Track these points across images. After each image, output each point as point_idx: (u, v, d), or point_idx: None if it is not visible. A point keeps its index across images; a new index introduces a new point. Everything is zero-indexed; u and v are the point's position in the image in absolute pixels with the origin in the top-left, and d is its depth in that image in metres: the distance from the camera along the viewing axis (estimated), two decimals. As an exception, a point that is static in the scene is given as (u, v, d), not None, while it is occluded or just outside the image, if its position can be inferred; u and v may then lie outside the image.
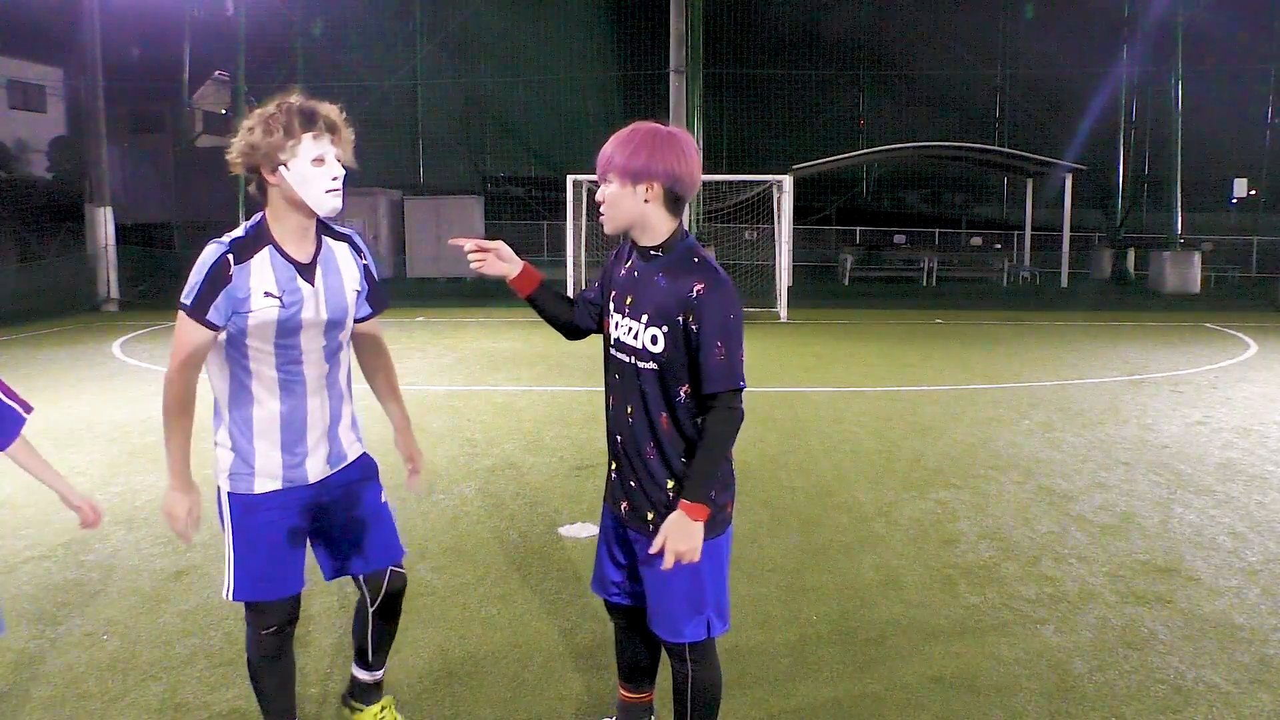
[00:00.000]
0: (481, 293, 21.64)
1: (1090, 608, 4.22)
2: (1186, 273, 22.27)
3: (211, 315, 2.53)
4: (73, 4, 19.25)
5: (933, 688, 3.50)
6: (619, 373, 2.61)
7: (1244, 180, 29.43)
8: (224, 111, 35.57)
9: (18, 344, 13.20)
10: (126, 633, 3.97)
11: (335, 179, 2.58)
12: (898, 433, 7.67)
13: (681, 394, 2.53)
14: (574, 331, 2.84)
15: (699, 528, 2.48)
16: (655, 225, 2.54)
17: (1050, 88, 29.86)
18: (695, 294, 2.44)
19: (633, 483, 2.63)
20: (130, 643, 3.88)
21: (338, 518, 2.83)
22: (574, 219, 17.58)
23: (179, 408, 2.61)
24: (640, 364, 2.54)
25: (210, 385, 2.74)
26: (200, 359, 2.59)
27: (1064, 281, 24.48)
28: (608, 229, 2.60)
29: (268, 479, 2.70)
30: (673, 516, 2.47)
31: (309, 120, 2.54)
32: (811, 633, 3.97)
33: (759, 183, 19.60)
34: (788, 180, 18.18)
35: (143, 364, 11.32)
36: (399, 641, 3.85)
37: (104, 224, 18.86)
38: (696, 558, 2.48)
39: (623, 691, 3.00)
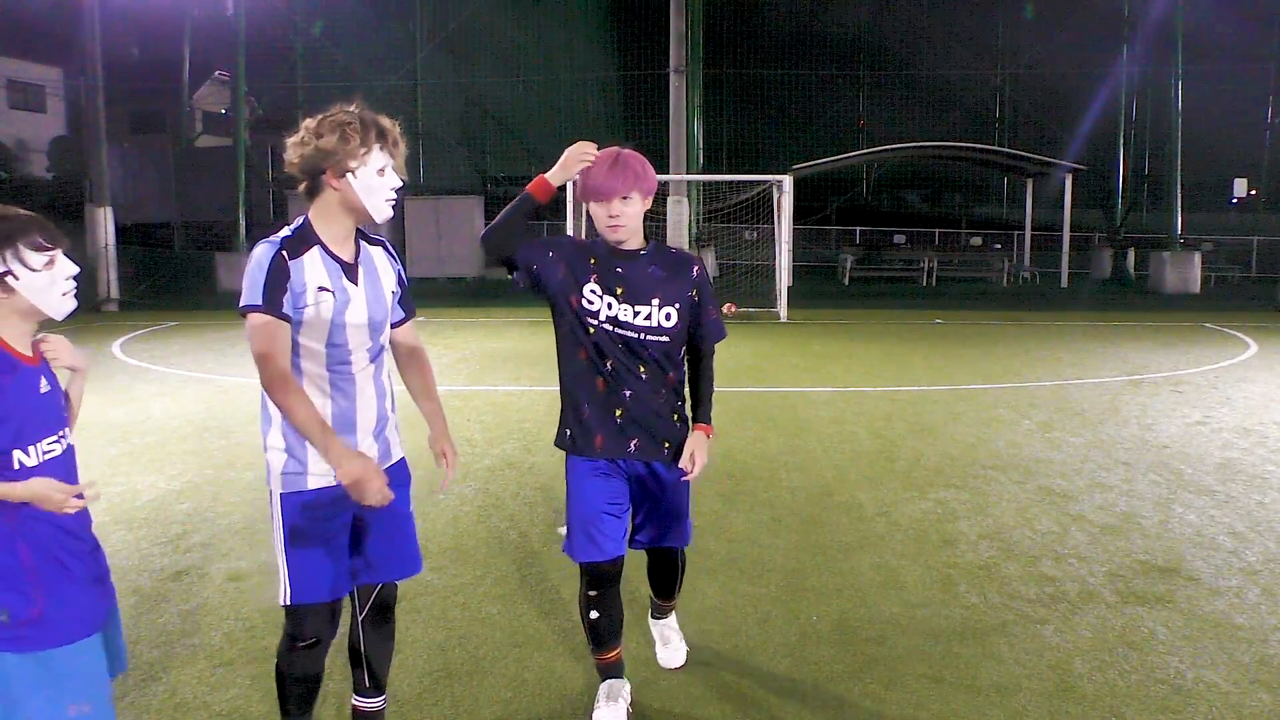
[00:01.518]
0: (481, 293, 21.64)
1: (1090, 608, 4.22)
2: (1186, 273, 22.27)
3: (284, 307, 2.58)
4: (73, 4, 19.25)
5: (933, 688, 3.50)
6: (622, 344, 3.10)
7: (1244, 180, 29.46)
8: (224, 111, 35.58)
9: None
10: (126, 633, 3.96)
11: (394, 189, 2.70)
12: (898, 433, 7.67)
13: (680, 353, 3.21)
14: (508, 258, 3.11)
15: (709, 443, 3.22)
16: (640, 229, 3.13)
17: (1050, 88, 29.85)
18: (695, 273, 3.16)
19: (643, 424, 3.14)
20: (130, 643, 3.87)
21: (374, 518, 2.82)
22: (574, 219, 17.58)
23: (296, 393, 2.54)
24: (653, 338, 3.10)
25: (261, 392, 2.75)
26: (287, 352, 2.60)
27: (1064, 281, 24.47)
28: (619, 237, 3.07)
29: (321, 476, 2.69)
30: (695, 437, 3.16)
31: (382, 134, 2.65)
32: (811, 633, 3.97)
33: (759, 183, 19.60)
34: (788, 180, 18.17)
35: (143, 364, 11.32)
36: (399, 641, 3.84)
37: (104, 224, 18.86)
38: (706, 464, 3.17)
39: (606, 656, 3.30)
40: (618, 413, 3.13)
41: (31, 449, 2.31)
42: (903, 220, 32.26)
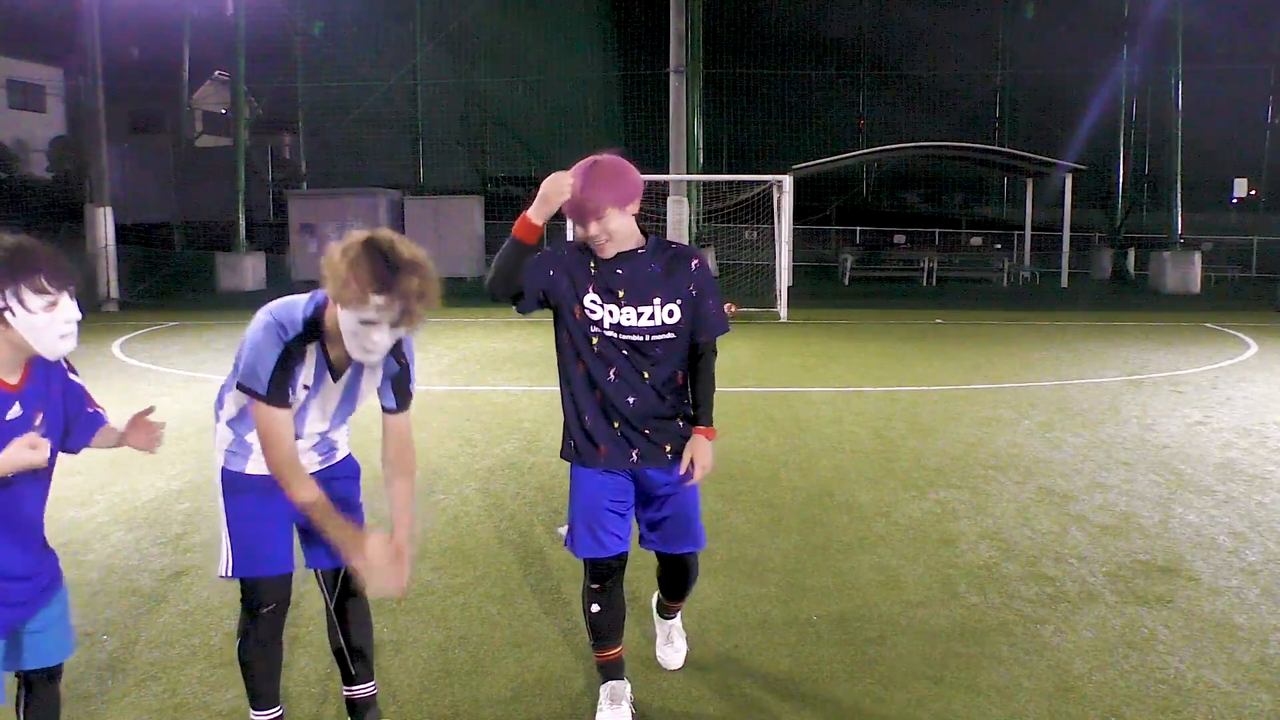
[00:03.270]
0: (481, 293, 21.65)
1: (1090, 608, 4.22)
2: (1186, 273, 22.25)
3: (289, 396, 2.65)
4: (73, 4, 19.24)
5: (933, 688, 3.50)
6: (624, 349, 3.07)
7: (1244, 180, 29.44)
8: (224, 111, 35.56)
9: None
10: (126, 633, 3.97)
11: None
12: (898, 433, 7.67)
13: (687, 350, 3.15)
14: (510, 294, 3.05)
15: (712, 445, 3.16)
16: (634, 232, 3.06)
17: (1050, 88, 29.81)
18: (694, 267, 3.10)
19: (646, 431, 3.12)
20: (130, 643, 3.88)
21: None
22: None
23: (306, 487, 2.65)
24: (658, 337, 3.07)
25: (220, 388, 2.90)
26: (292, 442, 2.66)
27: (1064, 281, 24.46)
28: (611, 251, 3.02)
29: (259, 463, 2.79)
30: (696, 440, 3.12)
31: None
32: (811, 633, 3.97)
33: (759, 183, 19.59)
34: (788, 180, 18.17)
35: (143, 364, 11.32)
36: (399, 641, 3.86)
37: (104, 224, 18.86)
38: (711, 468, 3.13)
39: (607, 654, 3.27)
40: (616, 424, 3.11)
41: None
42: (903, 220, 32.24)
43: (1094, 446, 7.20)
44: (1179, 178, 22.92)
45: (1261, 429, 7.82)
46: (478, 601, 4.29)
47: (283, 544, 2.88)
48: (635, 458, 3.13)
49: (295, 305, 2.67)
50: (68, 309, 2.36)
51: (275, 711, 3.03)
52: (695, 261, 3.11)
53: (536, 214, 2.87)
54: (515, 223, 2.91)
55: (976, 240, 29.16)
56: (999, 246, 28.39)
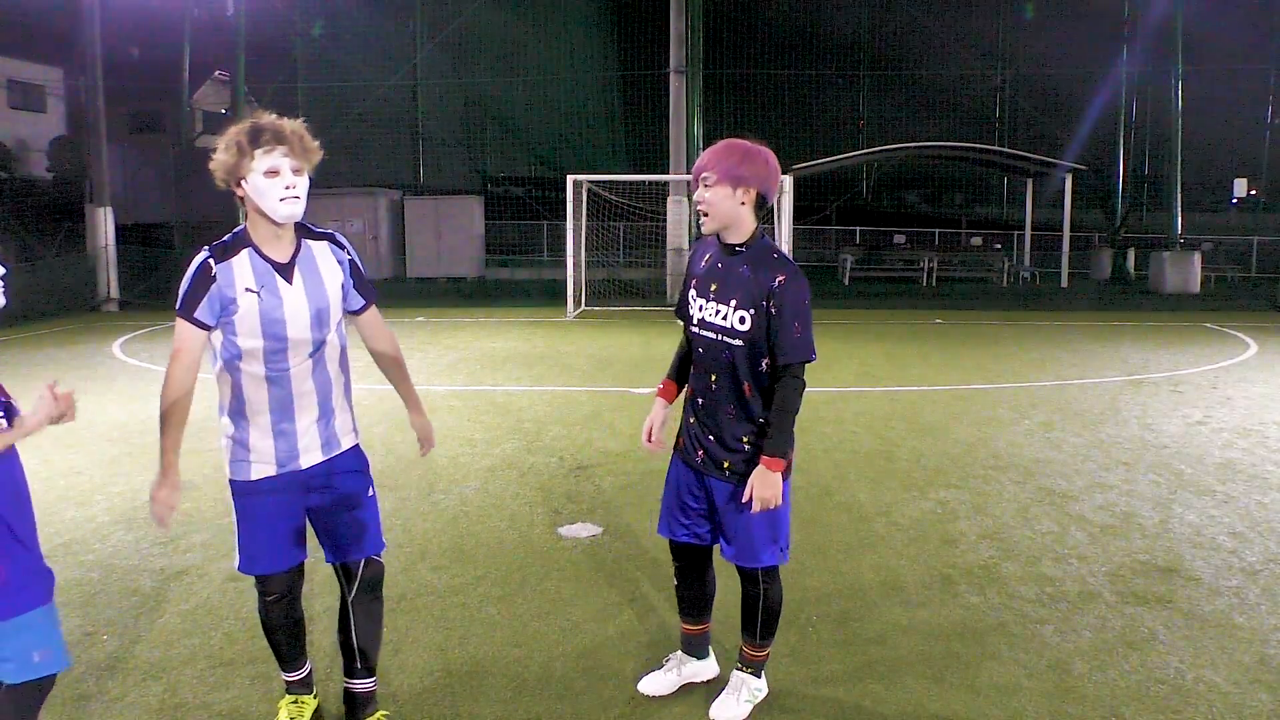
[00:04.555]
0: (481, 293, 21.65)
1: (1090, 608, 4.22)
2: (1186, 273, 22.24)
3: (199, 314, 2.78)
4: (73, 4, 19.24)
5: (933, 688, 3.50)
6: (704, 347, 3.10)
7: (1244, 180, 29.42)
8: (224, 111, 35.56)
9: (18, 344, 13.20)
10: (126, 633, 3.97)
11: (288, 187, 2.76)
12: (898, 433, 7.67)
13: (764, 365, 3.05)
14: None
15: (778, 478, 3.01)
16: (745, 225, 3.05)
17: (1050, 88, 29.83)
18: (777, 284, 2.97)
19: (711, 437, 3.12)
20: (130, 643, 3.88)
21: (325, 504, 3.02)
22: (574, 219, 17.58)
23: (171, 405, 2.82)
24: (728, 340, 3.04)
25: (217, 389, 2.96)
26: (193, 359, 2.82)
27: (1064, 281, 24.46)
28: (708, 227, 3.07)
29: (263, 465, 2.93)
30: (758, 471, 3.00)
31: (255, 137, 2.74)
32: (811, 633, 3.97)
33: (759, 183, 19.55)
34: (788, 180, 18.17)
35: (143, 364, 11.32)
36: (399, 641, 3.85)
37: (104, 224, 18.86)
38: (778, 502, 3.02)
39: (685, 626, 3.48)
40: (692, 419, 3.21)
41: None
42: (903, 220, 32.20)
43: (1094, 446, 7.20)
44: (1179, 178, 22.92)
45: (1261, 429, 7.82)
46: (478, 601, 4.29)
47: (284, 544, 3.00)
48: (699, 459, 3.18)
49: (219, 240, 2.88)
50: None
51: (302, 672, 3.20)
52: (781, 278, 2.99)
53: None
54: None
55: (976, 240, 29.12)
56: (999, 246, 28.34)
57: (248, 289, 2.78)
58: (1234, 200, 31.25)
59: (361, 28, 28.69)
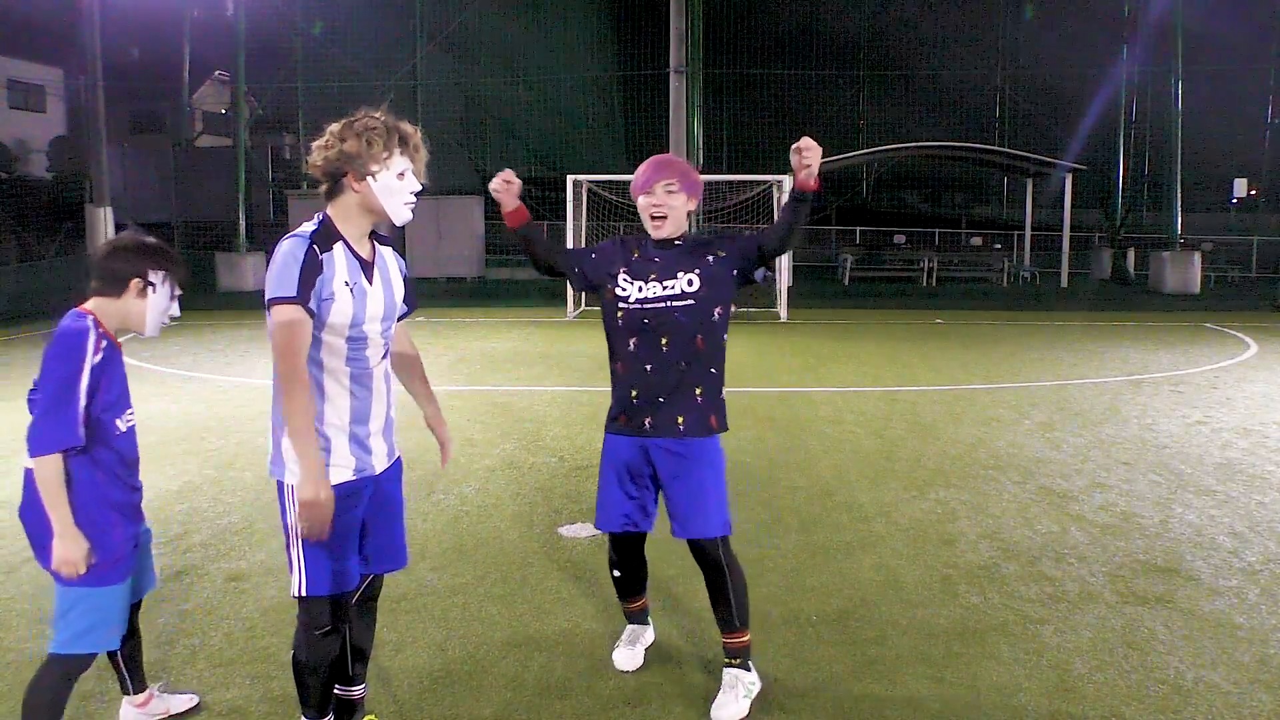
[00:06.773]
0: (481, 293, 21.65)
1: (1090, 608, 4.22)
2: (1186, 273, 22.24)
3: (311, 302, 2.64)
4: (73, 4, 19.24)
5: (933, 687, 3.50)
6: (648, 318, 3.31)
7: (1244, 180, 29.41)
8: (224, 111, 35.57)
9: (18, 344, 13.20)
10: (126, 633, 3.96)
11: (414, 193, 2.83)
12: (898, 433, 7.67)
13: (715, 314, 3.35)
14: (548, 269, 3.57)
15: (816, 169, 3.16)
16: (683, 226, 3.43)
17: (1050, 88, 29.81)
18: (715, 241, 3.40)
19: (661, 398, 3.31)
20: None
21: (371, 513, 2.91)
22: (574, 219, 17.58)
23: (309, 404, 2.63)
24: (676, 303, 3.30)
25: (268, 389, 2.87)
26: (306, 348, 2.66)
27: (1064, 281, 24.45)
28: (665, 230, 3.36)
29: (341, 469, 2.76)
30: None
31: (404, 139, 2.77)
32: (811, 633, 3.97)
33: (759, 183, 19.59)
34: (788, 180, 18.09)
35: (143, 364, 11.31)
36: (399, 641, 3.86)
37: (104, 224, 18.85)
38: (819, 157, 3.10)
39: (629, 605, 3.75)
40: (633, 392, 3.36)
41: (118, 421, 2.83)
42: (903, 220, 32.19)
43: (1094, 446, 7.21)
44: (1179, 178, 22.91)
45: (1261, 429, 7.82)
46: (478, 601, 4.29)
47: (354, 557, 2.85)
48: (647, 426, 3.34)
49: (302, 227, 2.77)
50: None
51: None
52: (719, 239, 3.43)
53: (503, 204, 3.45)
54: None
55: (976, 240, 29.12)
56: (999, 246, 28.35)
57: (345, 282, 2.72)
58: (1234, 200, 31.24)
59: (361, 28, 28.68)
